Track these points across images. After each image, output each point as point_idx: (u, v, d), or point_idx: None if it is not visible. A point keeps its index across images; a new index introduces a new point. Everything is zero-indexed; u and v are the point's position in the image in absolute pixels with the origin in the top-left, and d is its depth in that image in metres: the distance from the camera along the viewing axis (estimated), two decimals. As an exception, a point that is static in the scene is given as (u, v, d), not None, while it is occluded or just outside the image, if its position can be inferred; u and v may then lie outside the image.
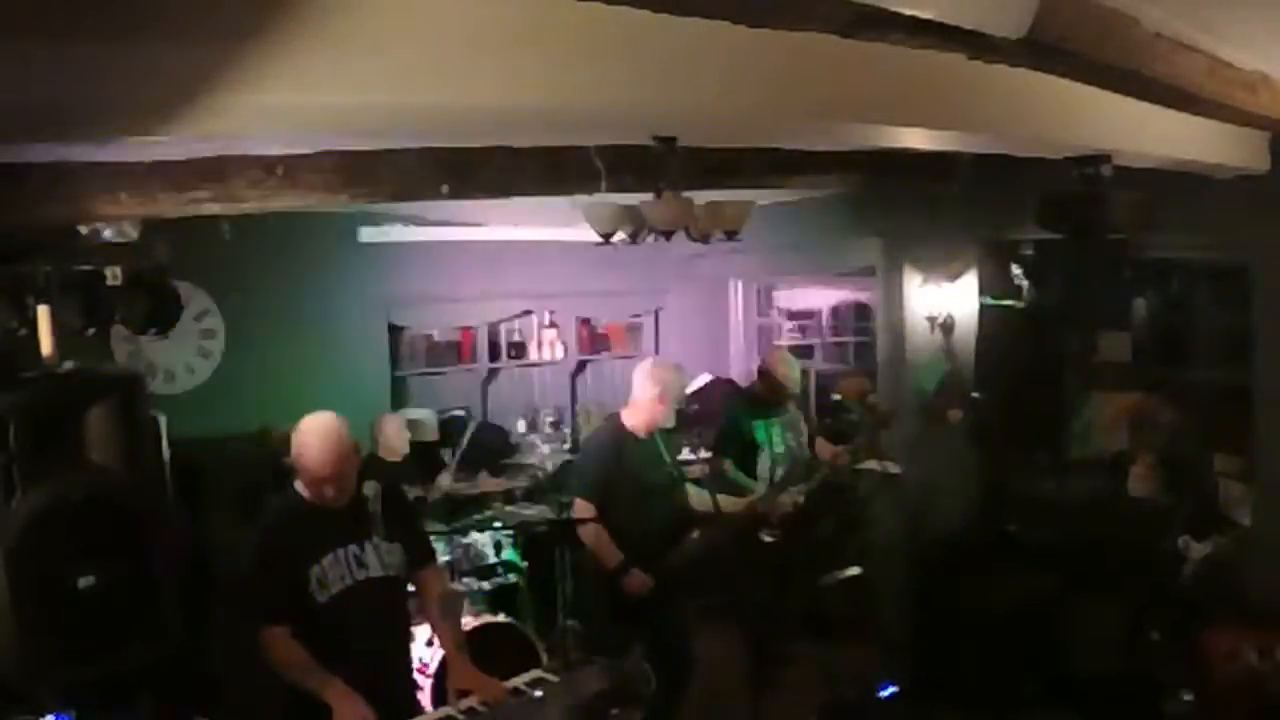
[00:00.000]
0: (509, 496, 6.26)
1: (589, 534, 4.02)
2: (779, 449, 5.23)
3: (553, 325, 7.35)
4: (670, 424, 4.40)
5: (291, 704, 2.93)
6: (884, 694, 4.80)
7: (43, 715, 1.84)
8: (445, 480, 5.80)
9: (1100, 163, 3.54)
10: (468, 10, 1.97)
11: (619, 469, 4.20)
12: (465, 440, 6.12)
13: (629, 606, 4.12)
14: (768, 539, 4.93)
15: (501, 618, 4.93)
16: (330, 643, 2.95)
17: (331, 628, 2.97)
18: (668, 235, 3.85)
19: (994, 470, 5.27)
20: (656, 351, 7.77)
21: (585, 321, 7.53)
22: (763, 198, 4.69)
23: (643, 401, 4.28)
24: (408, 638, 3.42)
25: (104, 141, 2.00)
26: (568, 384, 7.48)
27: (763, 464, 5.19)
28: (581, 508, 4.09)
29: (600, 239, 4.00)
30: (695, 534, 4.53)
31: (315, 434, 3.01)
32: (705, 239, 4.09)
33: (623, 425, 4.31)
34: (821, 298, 8.13)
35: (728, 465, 5.22)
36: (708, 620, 5.07)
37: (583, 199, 3.99)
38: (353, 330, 6.37)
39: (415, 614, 3.50)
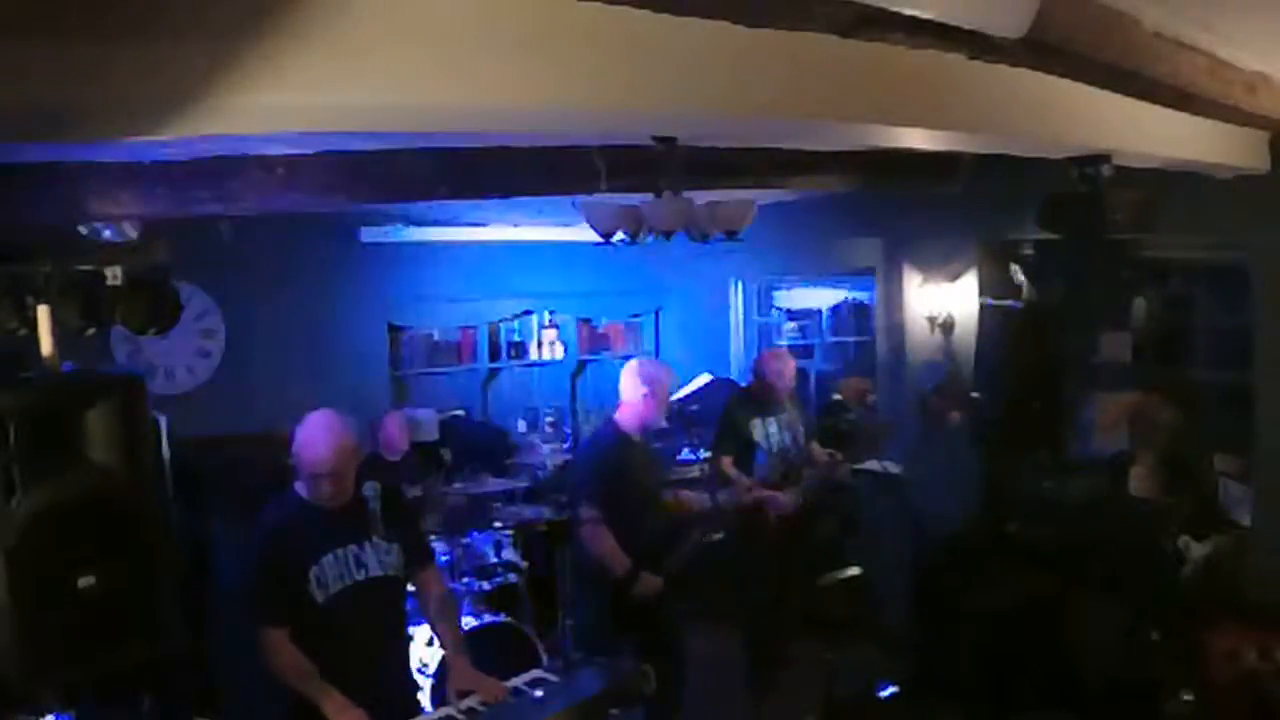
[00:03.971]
0: (509, 497, 6.26)
1: (597, 540, 4.00)
2: (776, 448, 5.24)
3: (553, 325, 7.35)
4: (661, 424, 4.37)
5: (292, 705, 2.93)
6: (884, 694, 4.80)
7: (43, 715, 1.84)
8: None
9: (1100, 163, 3.53)
10: (468, 11, 1.97)
11: (620, 472, 4.17)
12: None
13: (632, 610, 4.10)
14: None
15: (502, 618, 4.93)
16: (329, 643, 2.95)
17: (330, 628, 2.97)
18: (668, 235, 3.85)
19: (994, 470, 5.26)
20: (657, 352, 7.77)
21: (585, 321, 7.53)
22: (763, 198, 4.69)
23: (633, 402, 4.27)
24: (406, 637, 3.42)
25: (104, 141, 1.99)
26: (568, 384, 7.49)
27: (760, 463, 5.20)
28: (588, 514, 4.05)
29: (600, 239, 4.00)
30: (696, 534, 4.53)
31: (316, 430, 3.01)
32: (705, 239, 4.09)
33: (620, 427, 4.30)
34: (821, 298, 8.13)
35: (726, 463, 5.22)
36: (708, 620, 5.07)
37: (583, 199, 3.99)
38: (353, 330, 6.37)
39: (415, 614, 3.50)
